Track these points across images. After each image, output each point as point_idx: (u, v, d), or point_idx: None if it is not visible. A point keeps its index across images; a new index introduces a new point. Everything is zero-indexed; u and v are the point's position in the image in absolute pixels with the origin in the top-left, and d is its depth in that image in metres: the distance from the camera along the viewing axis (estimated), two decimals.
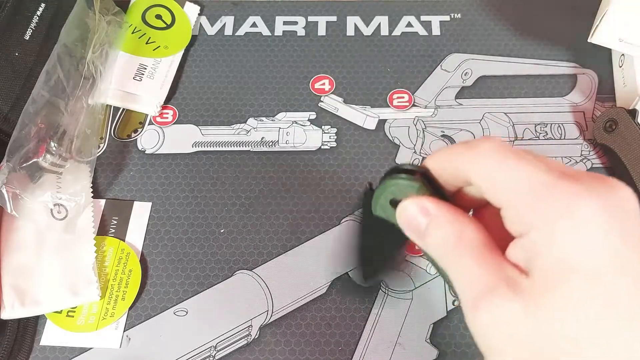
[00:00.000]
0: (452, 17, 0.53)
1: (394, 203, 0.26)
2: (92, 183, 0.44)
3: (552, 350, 0.20)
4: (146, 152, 0.47)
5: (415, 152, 0.46)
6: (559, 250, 0.20)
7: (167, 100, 0.49)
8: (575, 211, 0.20)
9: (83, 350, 0.39)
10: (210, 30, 0.53)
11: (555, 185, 0.21)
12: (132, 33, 0.51)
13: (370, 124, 0.48)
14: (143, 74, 0.49)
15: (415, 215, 0.25)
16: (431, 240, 0.24)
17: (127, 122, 0.48)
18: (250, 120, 0.48)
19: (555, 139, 0.47)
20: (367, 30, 0.53)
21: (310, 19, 0.53)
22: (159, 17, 0.52)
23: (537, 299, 0.21)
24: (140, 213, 0.44)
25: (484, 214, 0.26)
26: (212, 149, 0.47)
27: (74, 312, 0.40)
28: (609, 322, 0.20)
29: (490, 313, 0.21)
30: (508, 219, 0.23)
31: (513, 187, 0.22)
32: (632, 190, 0.21)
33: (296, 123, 0.48)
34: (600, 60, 0.50)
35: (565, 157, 0.46)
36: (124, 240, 0.43)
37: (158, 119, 0.48)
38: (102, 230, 0.43)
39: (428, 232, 0.24)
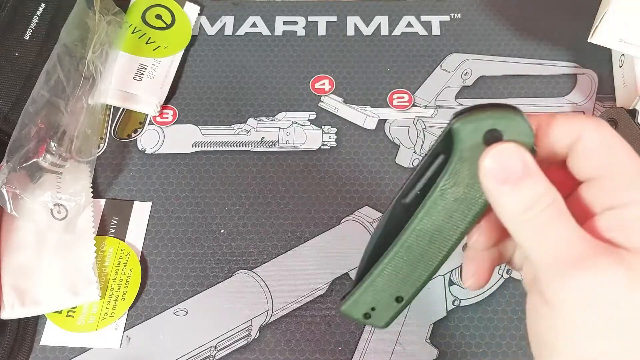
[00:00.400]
0: (452, 17, 0.53)
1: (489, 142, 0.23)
2: (92, 183, 0.44)
3: None
4: (146, 152, 0.47)
5: (415, 152, 0.46)
6: None
7: (167, 100, 0.49)
8: None
9: (83, 350, 0.39)
10: (210, 30, 0.53)
11: None
12: (132, 33, 0.51)
13: (370, 124, 0.48)
14: (143, 74, 0.49)
15: (516, 161, 0.22)
16: (524, 193, 0.22)
17: (127, 122, 0.48)
18: (250, 120, 0.48)
19: None
20: (367, 30, 0.53)
21: (310, 19, 0.53)
22: (159, 17, 0.52)
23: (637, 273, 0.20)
24: (140, 213, 0.44)
25: None
26: (212, 149, 0.47)
27: (74, 312, 0.40)
28: None
29: (589, 280, 0.20)
30: (604, 189, 0.22)
31: (622, 159, 0.22)
32: None
33: (296, 123, 0.48)
34: (600, 60, 0.50)
35: None
36: (124, 240, 0.43)
37: (158, 119, 0.48)
38: (102, 230, 0.43)
39: (524, 184, 0.22)
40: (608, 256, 0.20)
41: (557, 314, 0.21)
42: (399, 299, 0.26)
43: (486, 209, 0.24)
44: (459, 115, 0.24)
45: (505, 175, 0.22)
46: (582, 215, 0.23)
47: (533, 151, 0.23)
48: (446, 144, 0.24)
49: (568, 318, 0.21)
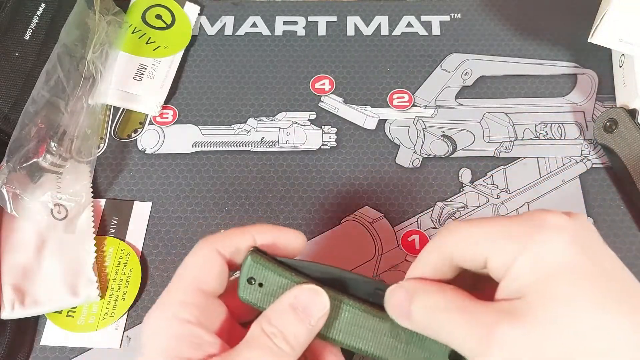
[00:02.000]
0: (452, 17, 0.53)
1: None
2: (92, 183, 0.44)
3: (562, 351, 0.22)
4: (146, 152, 0.47)
5: (415, 152, 0.46)
6: (536, 266, 0.23)
7: (167, 100, 0.49)
8: (543, 229, 0.23)
9: (83, 350, 0.39)
10: (210, 30, 0.53)
11: (517, 220, 0.24)
12: (132, 33, 0.51)
13: (370, 124, 0.48)
14: (143, 74, 0.49)
15: (403, 299, 0.26)
16: (420, 312, 0.25)
17: (127, 122, 0.48)
18: (250, 120, 0.48)
19: (555, 139, 0.47)
20: (367, 30, 0.53)
21: (310, 19, 0.53)
22: (159, 17, 0.52)
23: (535, 314, 0.22)
24: (140, 213, 0.44)
25: None
26: (212, 149, 0.47)
27: (74, 312, 0.40)
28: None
29: (502, 344, 0.22)
30: (494, 267, 0.24)
31: (491, 239, 0.24)
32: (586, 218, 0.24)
33: (296, 123, 0.48)
34: (600, 60, 0.50)
35: (565, 157, 0.46)
36: (124, 240, 0.43)
37: (158, 119, 0.48)
38: (102, 230, 0.43)
39: (414, 308, 0.25)
40: (504, 326, 0.22)
41: None
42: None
43: None
44: None
45: (404, 314, 0.26)
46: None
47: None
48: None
49: None
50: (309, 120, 0.48)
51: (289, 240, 0.29)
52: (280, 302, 0.27)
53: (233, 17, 0.54)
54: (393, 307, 0.26)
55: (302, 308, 0.26)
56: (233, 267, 0.28)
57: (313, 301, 0.26)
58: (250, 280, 0.27)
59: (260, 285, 0.27)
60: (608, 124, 0.44)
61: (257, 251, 0.28)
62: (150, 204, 0.45)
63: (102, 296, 0.41)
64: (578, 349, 0.22)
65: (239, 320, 0.29)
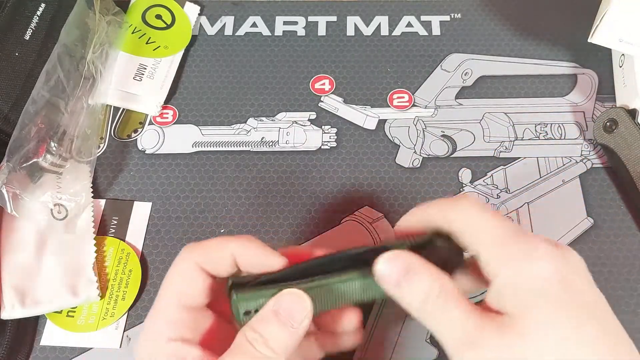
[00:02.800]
0: (452, 17, 0.53)
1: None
2: (92, 183, 0.44)
3: None
4: (146, 152, 0.47)
5: (415, 152, 0.46)
6: (522, 288, 0.24)
7: (167, 100, 0.49)
8: (533, 254, 0.25)
9: (83, 350, 0.39)
10: (210, 30, 0.53)
11: (517, 235, 0.26)
12: (132, 33, 0.51)
13: (370, 124, 0.48)
14: (143, 74, 0.49)
15: (399, 265, 0.27)
16: (413, 291, 0.26)
17: (127, 122, 0.48)
18: (250, 120, 0.48)
19: (555, 139, 0.47)
20: (367, 30, 0.53)
21: (310, 19, 0.53)
22: (159, 17, 0.52)
23: (517, 333, 0.24)
24: (140, 213, 0.44)
25: None
26: (212, 149, 0.47)
27: (74, 312, 0.40)
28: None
29: (480, 353, 0.24)
30: (483, 263, 0.26)
31: (485, 234, 0.26)
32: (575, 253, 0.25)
33: (296, 123, 0.48)
34: (600, 60, 0.50)
35: (565, 157, 0.46)
36: (124, 240, 0.43)
37: (158, 119, 0.48)
38: (102, 230, 0.43)
39: (410, 284, 0.26)
40: (491, 330, 0.24)
41: None
42: None
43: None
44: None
45: (394, 279, 0.27)
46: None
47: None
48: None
49: None
50: (309, 120, 0.48)
51: (268, 264, 0.29)
52: (264, 309, 0.27)
53: (233, 17, 0.54)
54: (386, 276, 0.27)
55: (284, 312, 0.27)
56: (215, 276, 0.29)
57: (294, 304, 0.27)
58: (247, 314, 0.28)
59: (257, 311, 0.28)
60: (608, 124, 0.44)
61: (237, 285, 0.28)
62: (150, 204, 0.45)
63: (102, 296, 0.41)
64: None
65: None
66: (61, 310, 0.40)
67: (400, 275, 0.26)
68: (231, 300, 0.28)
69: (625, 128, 0.43)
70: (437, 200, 0.28)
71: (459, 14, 0.53)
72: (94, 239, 0.42)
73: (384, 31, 0.52)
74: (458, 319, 0.25)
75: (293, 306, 0.27)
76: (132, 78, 0.49)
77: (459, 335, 0.25)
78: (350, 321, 0.31)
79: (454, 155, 0.46)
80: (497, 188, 0.45)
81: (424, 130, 0.47)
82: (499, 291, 0.25)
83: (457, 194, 0.44)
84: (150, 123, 0.48)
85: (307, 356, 0.31)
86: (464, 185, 0.45)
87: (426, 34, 0.52)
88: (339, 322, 0.31)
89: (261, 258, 0.29)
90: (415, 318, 0.27)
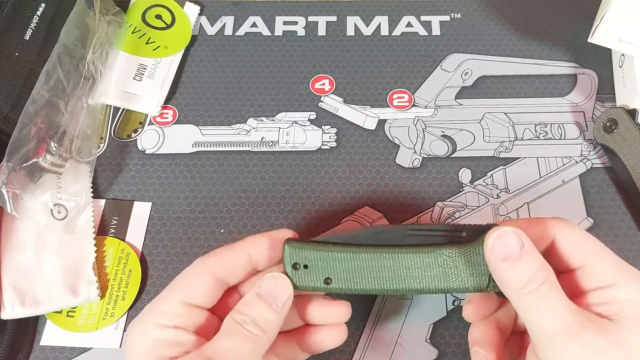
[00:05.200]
0: (452, 17, 0.53)
1: None
2: (92, 183, 0.44)
3: None
4: (146, 152, 0.47)
5: (415, 152, 0.46)
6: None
7: (167, 100, 0.49)
8: None
9: (83, 350, 0.39)
10: (210, 30, 0.53)
11: (617, 257, 0.29)
12: (132, 33, 0.51)
13: (370, 124, 0.48)
14: (143, 74, 0.49)
15: (514, 241, 0.27)
16: (519, 270, 0.27)
17: (127, 122, 0.48)
18: (250, 120, 0.48)
19: (555, 139, 0.47)
20: (367, 30, 0.53)
21: (310, 19, 0.53)
22: (159, 17, 0.52)
23: (620, 338, 0.26)
24: (140, 213, 0.44)
25: None
26: (212, 149, 0.47)
27: (74, 312, 0.40)
28: None
29: (577, 351, 0.25)
30: (589, 274, 0.28)
31: (598, 252, 0.29)
32: None
33: (296, 123, 0.48)
34: (600, 60, 0.50)
35: (565, 157, 0.46)
36: (124, 240, 0.43)
37: (158, 119, 0.48)
38: (102, 230, 0.43)
39: (521, 261, 0.27)
40: (593, 328, 0.26)
41: None
42: (327, 281, 0.30)
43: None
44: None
45: (505, 253, 0.27)
46: (571, 293, 0.28)
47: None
48: (477, 234, 0.29)
49: None
50: (309, 120, 0.48)
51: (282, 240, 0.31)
52: (248, 294, 0.29)
53: (233, 17, 0.54)
54: (496, 248, 0.27)
55: (267, 294, 0.28)
56: (227, 286, 0.31)
57: (276, 286, 0.29)
58: (295, 266, 0.29)
59: (306, 267, 0.29)
60: (608, 124, 0.44)
61: (291, 240, 0.30)
62: (150, 204, 0.45)
63: (102, 296, 0.41)
64: None
65: None
66: (61, 310, 0.40)
67: (510, 250, 0.27)
68: (283, 254, 0.30)
69: (625, 128, 0.43)
70: (539, 218, 0.30)
71: (459, 14, 0.53)
72: (94, 239, 0.42)
73: (384, 31, 0.52)
74: (560, 310, 0.26)
75: (275, 288, 0.29)
76: (132, 78, 0.49)
77: (559, 327, 0.26)
78: (339, 314, 0.32)
79: (454, 155, 0.46)
80: (497, 188, 0.45)
81: (424, 130, 0.47)
82: (611, 298, 0.27)
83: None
84: (150, 123, 0.48)
85: (289, 357, 0.32)
86: (464, 185, 0.45)
87: (426, 34, 0.52)
88: (328, 314, 0.32)
89: (273, 241, 0.31)
90: (506, 297, 0.28)
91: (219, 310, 0.31)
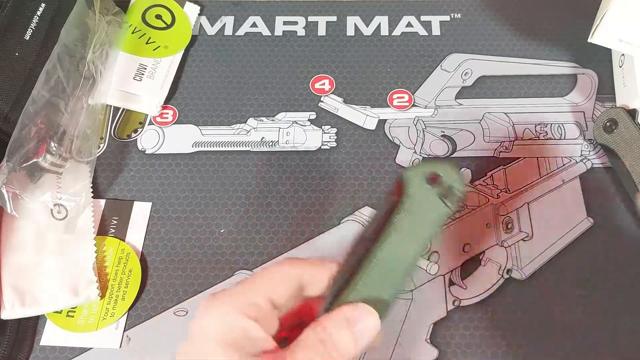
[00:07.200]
0: (452, 17, 0.53)
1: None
2: (92, 183, 0.44)
3: None
4: (146, 152, 0.47)
5: (415, 152, 0.46)
6: None
7: (167, 100, 0.49)
8: None
9: (83, 350, 0.40)
10: (210, 30, 0.53)
11: None
12: (132, 33, 0.51)
13: (370, 124, 0.48)
14: (143, 74, 0.49)
15: None
16: None
17: (127, 122, 0.48)
18: (250, 120, 0.48)
19: (555, 139, 0.47)
20: (367, 30, 0.53)
21: (310, 19, 0.53)
22: (159, 17, 0.52)
23: None
24: (140, 213, 0.44)
25: None
26: (212, 149, 0.47)
27: (74, 312, 0.40)
28: None
29: None
30: None
31: None
32: None
33: (296, 123, 0.48)
34: (600, 60, 0.50)
35: (565, 157, 0.46)
36: (124, 240, 0.43)
37: (158, 119, 0.48)
38: (102, 230, 0.43)
39: None
40: None
41: None
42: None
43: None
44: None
45: None
46: None
47: (463, 195, 0.29)
48: (398, 190, 0.29)
49: None
50: (309, 120, 0.48)
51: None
52: (338, 313, 0.28)
53: (233, 17, 0.54)
54: None
55: (355, 324, 0.27)
56: (302, 293, 0.30)
57: (367, 321, 0.28)
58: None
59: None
60: (608, 124, 0.44)
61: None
62: (150, 204, 0.45)
63: (102, 296, 0.41)
64: None
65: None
66: (61, 310, 0.40)
67: None
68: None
69: (625, 128, 0.43)
70: None
71: (459, 14, 0.53)
72: (94, 239, 0.42)
73: (384, 31, 0.52)
74: None
75: (365, 322, 0.28)
76: (132, 78, 0.49)
77: None
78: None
79: (454, 155, 0.46)
80: (497, 188, 0.45)
81: (424, 130, 0.47)
82: None
83: None
84: (150, 123, 0.48)
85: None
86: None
87: (426, 34, 0.52)
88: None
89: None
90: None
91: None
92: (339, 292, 0.28)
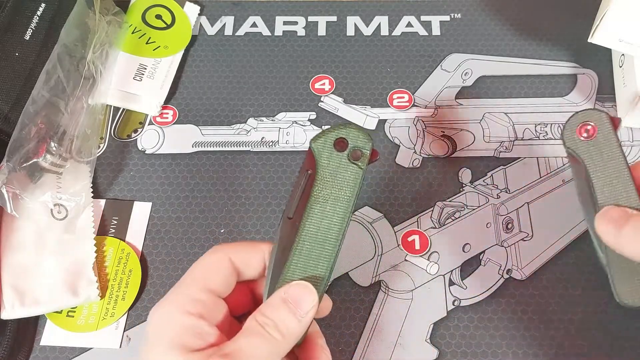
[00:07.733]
0: (452, 17, 0.53)
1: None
2: (92, 183, 0.44)
3: None
4: (146, 152, 0.47)
5: (415, 152, 0.46)
6: None
7: (167, 100, 0.49)
8: None
9: (83, 350, 0.40)
10: (210, 30, 0.53)
11: None
12: (132, 33, 0.51)
13: (370, 124, 0.48)
14: (143, 74, 0.49)
15: (616, 212, 0.31)
16: (629, 230, 0.30)
17: (127, 122, 0.48)
18: (250, 120, 0.48)
19: (555, 139, 0.47)
20: (367, 30, 0.53)
21: (310, 19, 0.53)
22: (159, 17, 0.52)
23: None
24: (140, 213, 0.44)
25: None
26: (212, 149, 0.47)
27: (74, 312, 0.40)
28: None
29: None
30: None
31: None
32: None
33: (296, 123, 0.48)
34: (600, 60, 0.50)
35: (565, 157, 0.46)
36: (124, 240, 0.43)
37: (158, 119, 0.48)
38: (102, 230, 0.43)
39: (627, 226, 0.30)
40: None
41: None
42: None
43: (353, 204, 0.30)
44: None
45: (612, 226, 0.31)
46: None
47: (374, 154, 0.30)
48: (310, 162, 0.31)
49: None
50: (309, 120, 0.48)
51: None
52: (273, 297, 0.29)
53: (233, 17, 0.54)
54: (608, 221, 0.31)
55: (293, 301, 0.29)
56: (240, 277, 0.31)
57: (302, 295, 0.29)
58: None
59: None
60: (584, 127, 0.33)
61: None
62: (150, 204, 0.45)
63: (102, 296, 0.41)
64: None
65: (233, 314, 0.31)
66: (61, 310, 0.40)
67: (617, 221, 0.30)
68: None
69: (604, 139, 0.33)
70: None
71: (459, 14, 0.53)
72: (94, 239, 0.42)
73: (384, 31, 0.52)
74: None
75: (301, 296, 0.29)
76: (132, 78, 0.49)
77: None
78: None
79: (454, 155, 0.46)
80: (497, 188, 0.45)
81: (424, 130, 0.47)
82: None
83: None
84: (150, 123, 0.48)
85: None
86: (464, 185, 0.45)
87: (426, 34, 0.52)
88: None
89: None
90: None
91: (233, 305, 0.31)
92: (276, 274, 0.29)
